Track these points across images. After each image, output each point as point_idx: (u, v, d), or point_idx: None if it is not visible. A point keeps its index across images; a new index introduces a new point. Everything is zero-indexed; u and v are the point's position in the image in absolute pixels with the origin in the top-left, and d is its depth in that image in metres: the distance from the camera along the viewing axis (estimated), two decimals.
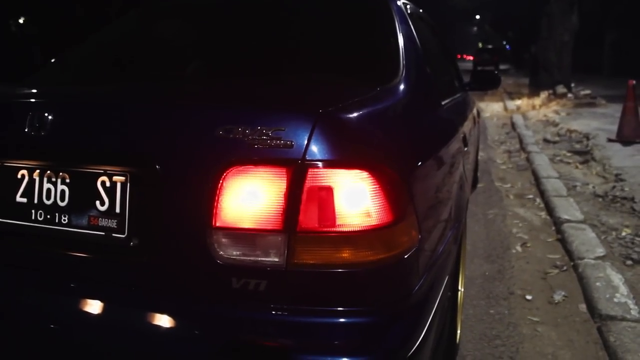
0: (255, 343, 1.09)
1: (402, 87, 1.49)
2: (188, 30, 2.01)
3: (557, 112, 9.31)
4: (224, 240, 1.09)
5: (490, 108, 11.12)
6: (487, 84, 2.91)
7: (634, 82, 6.09)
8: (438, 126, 1.77)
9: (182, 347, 1.10)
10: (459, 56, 67.09)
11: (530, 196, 4.20)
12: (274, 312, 1.09)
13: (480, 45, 52.40)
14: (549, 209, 3.72)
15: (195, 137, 1.12)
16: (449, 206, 1.59)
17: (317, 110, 1.11)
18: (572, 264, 2.77)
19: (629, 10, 18.58)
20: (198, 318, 1.13)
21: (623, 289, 2.34)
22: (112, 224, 1.18)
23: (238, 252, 1.09)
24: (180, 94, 1.45)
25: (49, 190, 1.24)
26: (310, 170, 1.05)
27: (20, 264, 1.31)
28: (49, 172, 1.24)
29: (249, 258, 1.08)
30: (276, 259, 1.07)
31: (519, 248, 3.08)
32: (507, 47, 43.78)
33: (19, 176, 1.27)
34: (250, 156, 1.06)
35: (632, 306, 2.20)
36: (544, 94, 11.23)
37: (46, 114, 1.22)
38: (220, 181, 1.07)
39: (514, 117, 9.02)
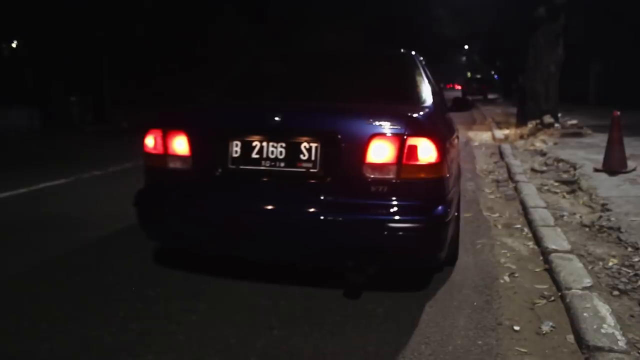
0: (383, 214, 2.44)
1: (430, 104, 3.05)
2: (304, 71, 3.66)
3: (544, 142, 9.42)
4: (369, 169, 2.46)
5: (479, 137, 11.26)
6: (462, 107, 4.33)
7: (619, 113, 6.17)
8: (447, 125, 3.22)
9: (348, 223, 2.46)
10: (449, 85, 67.81)
11: (518, 226, 4.22)
12: (391, 201, 2.46)
13: (469, 75, 53.27)
14: (537, 238, 3.73)
15: (358, 122, 2.55)
16: (455, 166, 3.10)
17: (407, 115, 2.58)
18: (559, 294, 2.78)
19: (613, 42, 19.04)
20: (355, 206, 2.47)
21: (610, 320, 2.34)
22: (309, 165, 2.51)
23: (376, 174, 2.46)
24: (337, 103, 2.95)
25: (272, 151, 2.55)
26: (407, 138, 2.44)
27: (254, 190, 2.62)
28: (272, 142, 2.56)
29: (381, 176, 2.46)
30: (392, 176, 2.45)
31: (507, 278, 3.08)
32: (496, 76, 44.48)
33: (253, 145, 2.58)
34: (382, 131, 2.46)
35: (619, 337, 2.20)
36: (531, 124, 11.35)
37: (270, 113, 2.61)
38: (369, 142, 2.45)
39: (502, 146, 9.10)
